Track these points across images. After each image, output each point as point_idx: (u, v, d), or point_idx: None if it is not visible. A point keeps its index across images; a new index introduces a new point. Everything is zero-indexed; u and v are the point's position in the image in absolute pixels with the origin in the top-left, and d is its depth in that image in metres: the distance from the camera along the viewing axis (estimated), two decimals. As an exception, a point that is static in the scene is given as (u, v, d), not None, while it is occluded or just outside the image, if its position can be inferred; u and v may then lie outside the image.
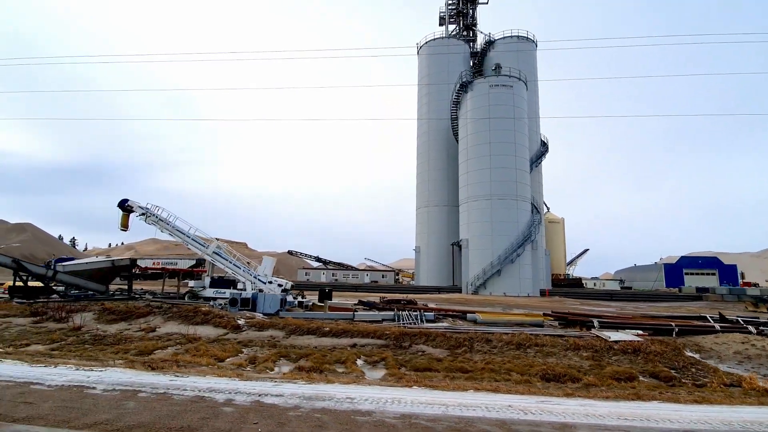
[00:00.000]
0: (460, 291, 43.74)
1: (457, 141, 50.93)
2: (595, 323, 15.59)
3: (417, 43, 63.05)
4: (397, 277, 77.45)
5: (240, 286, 23.43)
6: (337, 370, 9.96)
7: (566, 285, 55.64)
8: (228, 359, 10.85)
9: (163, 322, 14.91)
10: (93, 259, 24.45)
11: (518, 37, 56.72)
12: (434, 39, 59.71)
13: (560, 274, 62.83)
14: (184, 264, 58.23)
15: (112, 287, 26.04)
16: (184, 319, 15.10)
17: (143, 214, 23.90)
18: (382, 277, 72.32)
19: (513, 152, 43.29)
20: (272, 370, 9.80)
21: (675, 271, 70.11)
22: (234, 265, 23.24)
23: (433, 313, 17.13)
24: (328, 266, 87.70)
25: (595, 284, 71.83)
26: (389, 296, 30.74)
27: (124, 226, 24.37)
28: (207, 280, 23.81)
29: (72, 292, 21.21)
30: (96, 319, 14.96)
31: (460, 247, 46.98)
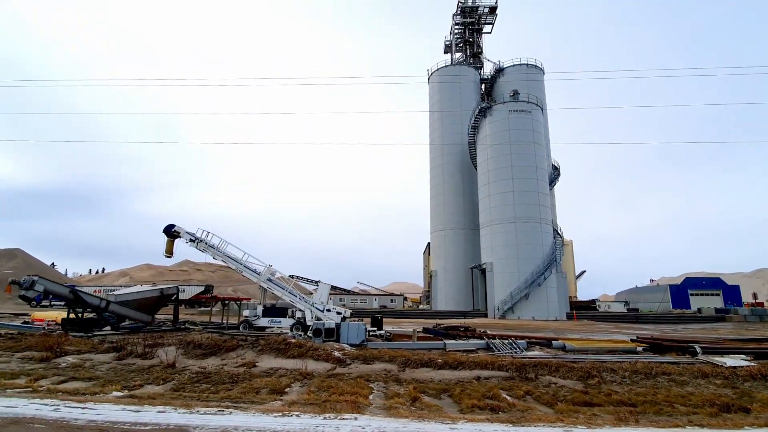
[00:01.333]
0: (485, 315, 43.10)
1: (475, 165, 51.46)
2: (697, 348, 15.26)
3: (428, 70, 64.52)
4: (405, 301, 76.28)
5: (298, 314, 22.45)
6: (506, 407, 9.27)
7: (582, 308, 55.55)
8: (370, 396, 10.03)
9: (257, 355, 13.90)
10: (139, 287, 23.10)
11: (527, 65, 58.62)
12: (445, 66, 61.23)
13: (572, 297, 62.92)
14: (192, 291, 56.21)
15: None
16: (277, 352, 14.11)
17: (192, 240, 22.94)
18: (391, 301, 71.11)
19: (535, 176, 43.84)
20: (439, 409, 9.04)
21: (680, 292, 71.05)
22: (290, 292, 22.30)
23: (525, 341, 16.52)
24: (331, 292, 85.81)
25: (599, 306, 72.09)
26: (425, 323, 29.91)
27: (169, 252, 23.28)
28: (260, 309, 22.76)
29: (124, 323, 19.86)
30: (184, 354, 13.85)
31: (481, 270, 46.66)
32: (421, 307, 73.05)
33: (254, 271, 22.96)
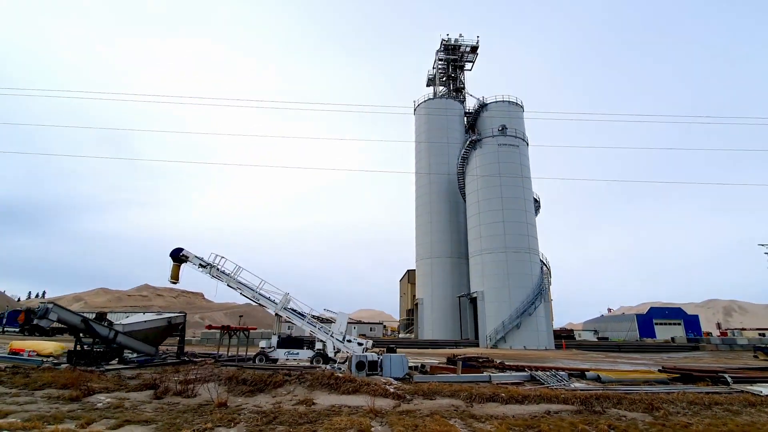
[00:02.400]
0: (476, 344, 43.06)
1: (463, 194, 52.68)
2: (728, 378, 15.93)
3: (414, 101, 66.42)
4: (384, 330, 74.91)
5: (318, 345, 21.51)
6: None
7: (562, 337, 56.91)
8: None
9: (309, 391, 12.99)
10: (146, 316, 21.17)
11: (509, 102, 61.73)
12: (432, 99, 63.37)
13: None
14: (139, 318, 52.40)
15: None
16: (328, 387, 13.27)
17: (203, 266, 21.71)
18: (370, 330, 69.63)
19: (523, 207, 45.43)
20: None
21: (646, 321, 74.69)
22: (309, 322, 21.41)
23: (565, 373, 16.56)
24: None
25: (579, 335, 74.01)
26: (421, 353, 29.46)
27: (175, 277, 21.89)
28: (274, 340, 21.58)
29: (133, 356, 18.07)
30: (228, 390, 12.69)
31: (470, 299, 46.97)
32: (401, 335, 71.92)
33: (270, 299, 21.92)
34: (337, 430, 9.72)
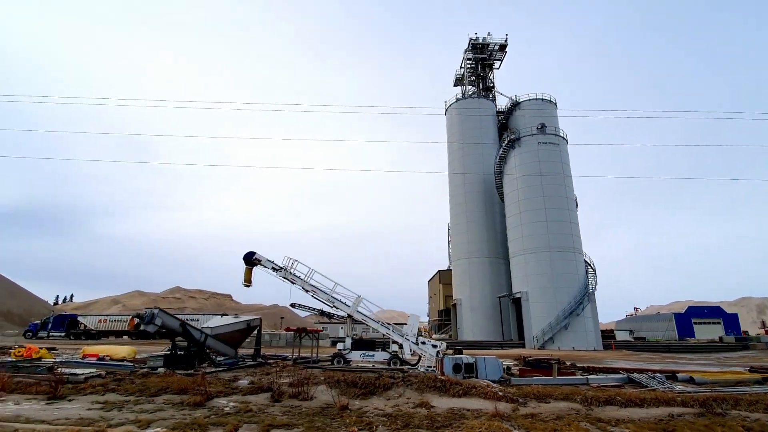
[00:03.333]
0: (522, 345, 42.56)
1: (500, 194, 52.24)
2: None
3: (445, 102, 66.24)
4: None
5: (393, 347, 21.51)
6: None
7: (604, 337, 55.84)
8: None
9: (419, 394, 12.99)
10: (225, 319, 21.57)
11: (542, 99, 60.97)
12: (463, 99, 63.07)
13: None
14: (205, 320, 53.40)
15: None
16: (437, 390, 13.24)
17: (276, 269, 21.97)
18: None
19: (566, 206, 44.76)
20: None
21: (685, 320, 72.75)
22: (383, 324, 21.45)
23: (662, 375, 16.19)
24: (333, 319, 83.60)
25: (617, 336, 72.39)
26: (472, 354, 29.12)
27: (248, 281, 22.24)
28: (348, 342, 21.67)
29: (220, 359, 18.39)
30: (340, 393, 12.78)
31: (512, 299, 46.49)
32: (435, 336, 71.64)
33: (343, 302, 22.05)
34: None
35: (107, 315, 53.31)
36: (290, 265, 21.73)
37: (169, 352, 16.91)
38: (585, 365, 21.95)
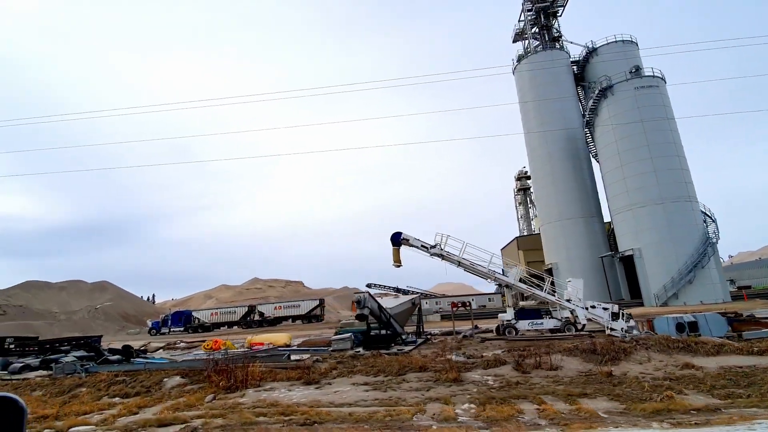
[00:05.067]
0: (640, 305, 40.63)
1: (590, 150, 49.35)
2: None
3: (512, 60, 62.86)
4: (502, 299, 74.09)
5: (564, 313, 20.87)
6: None
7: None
8: None
9: (667, 356, 12.33)
10: (397, 300, 22.01)
11: (623, 41, 56.07)
12: (534, 53, 59.45)
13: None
14: (307, 306, 55.44)
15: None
16: (682, 351, 12.51)
17: (424, 247, 21.77)
18: (489, 300, 69.08)
19: (675, 152, 41.38)
20: None
21: (800, 265, 66.42)
22: (548, 293, 20.78)
23: None
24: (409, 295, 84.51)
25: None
26: (640, 313, 27.77)
27: (397, 261, 22.25)
28: (510, 312, 21.30)
29: (402, 337, 18.69)
30: (585, 360, 12.40)
31: (620, 258, 44.30)
32: (522, 303, 70.60)
33: (503, 274, 21.64)
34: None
35: (218, 308, 57.02)
36: (442, 241, 21.48)
37: (347, 335, 17.38)
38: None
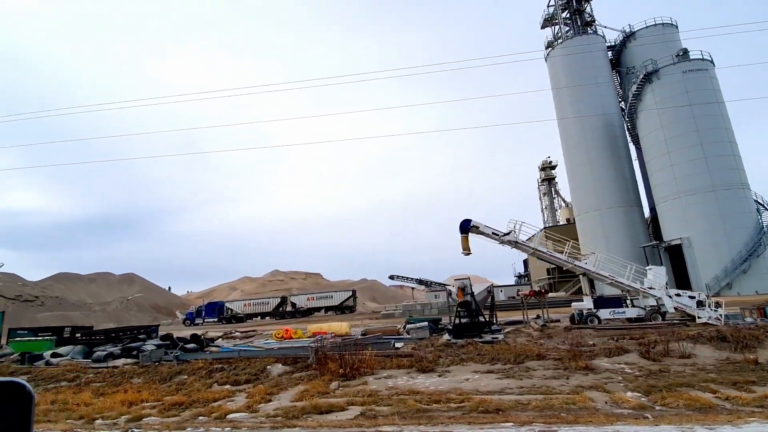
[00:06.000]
0: (688, 295, 39.59)
1: (633, 136, 48.10)
2: None
3: (545, 45, 61.34)
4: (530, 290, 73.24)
5: (648, 301, 20.15)
6: None
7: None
8: None
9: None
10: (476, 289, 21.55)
11: (662, 24, 54.27)
12: (569, 38, 57.90)
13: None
14: (340, 297, 55.28)
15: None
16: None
17: (495, 234, 21.15)
18: (518, 292, 68.28)
19: (726, 138, 39.97)
20: None
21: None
22: (631, 281, 20.06)
23: None
24: (432, 287, 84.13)
25: None
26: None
27: (466, 249, 21.65)
28: (588, 300, 20.65)
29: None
30: (716, 348, 11.79)
31: (665, 248, 43.20)
32: (551, 295, 69.68)
33: (581, 263, 20.98)
34: None
35: (250, 299, 57.26)
36: (516, 228, 20.85)
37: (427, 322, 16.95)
38: None
